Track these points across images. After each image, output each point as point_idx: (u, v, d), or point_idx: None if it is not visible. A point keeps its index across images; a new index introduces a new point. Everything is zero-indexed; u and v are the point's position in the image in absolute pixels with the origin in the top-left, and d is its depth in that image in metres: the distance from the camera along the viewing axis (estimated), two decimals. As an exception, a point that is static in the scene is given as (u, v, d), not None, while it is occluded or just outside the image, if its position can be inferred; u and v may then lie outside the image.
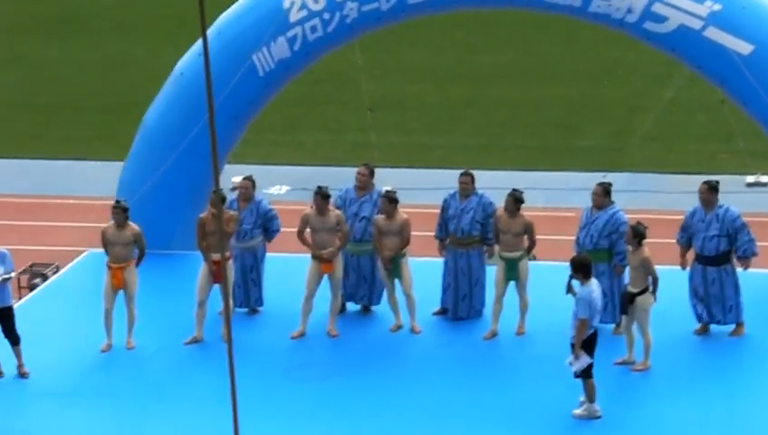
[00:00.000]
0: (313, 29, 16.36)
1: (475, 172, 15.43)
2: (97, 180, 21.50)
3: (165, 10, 32.13)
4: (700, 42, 15.74)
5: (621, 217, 14.70)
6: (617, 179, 16.64)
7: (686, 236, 14.73)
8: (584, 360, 12.82)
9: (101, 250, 14.91)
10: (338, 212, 14.99)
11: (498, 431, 12.78)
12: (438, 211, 15.39)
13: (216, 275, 14.44)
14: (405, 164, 22.51)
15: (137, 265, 14.65)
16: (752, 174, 21.21)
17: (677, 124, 24.24)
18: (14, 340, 14.04)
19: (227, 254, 14.61)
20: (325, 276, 14.88)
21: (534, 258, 15.70)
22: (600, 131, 24.24)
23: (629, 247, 14.02)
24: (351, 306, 15.59)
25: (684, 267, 14.77)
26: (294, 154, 23.45)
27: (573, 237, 14.96)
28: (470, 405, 13.28)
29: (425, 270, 15.43)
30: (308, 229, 14.95)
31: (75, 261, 17.27)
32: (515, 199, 14.79)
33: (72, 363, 14.29)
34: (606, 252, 14.65)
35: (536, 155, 23.02)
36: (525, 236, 14.85)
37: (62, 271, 17.15)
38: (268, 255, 15.65)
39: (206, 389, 13.58)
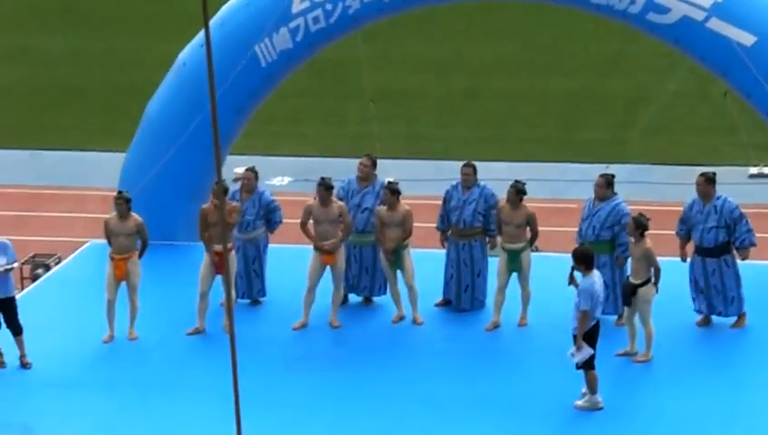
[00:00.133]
0: (316, 20, 16.35)
1: (477, 163, 15.42)
2: (99, 171, 21.50)
3: (167, 1, 32.10)
4: (703, 33, 15.72)
5: (624, 208, 14.70)
6: (619, 171, 16.62)
7: (686, 228, 14.73)
8: (586, 351, 12.83)
9: (104, 241, 14.91)
10: (340, 203, 14.99)
11: (500, 423, 12.79)
12: (440, 202, 15.38)
13: (219, 266, 14.44)
14: (407, 155, 22.50)
15: (139, 256, 14.65)
16: (754, 165, 21.21)
17: (680, 116, 24.22)
18: (16, 330, 14.05)
19: (229, 245, 14.61)
20: (327, 268, 14.88)
21: (537, 250, 15.70)
22: (601, 123, 24.23)
23: (631, 239, 14.01)
24: (354, 298, 15.60)
25: (684, 259, 14.77)
26: (297, 145, 23.44)
27: (575, 229, 14.96)
28: (472, 396, 13.29)
29: (427, 261, 15.43)
30: (311, 221, 14.95)
31: (77, 252, 17.27)
32: (517, 191, 14.79)
33: (74, 354, 14.30)
34: (608, 243, 14.65)
35: (538, 146, 23.01)
36: (527, 228, 14.85)
37: (64, 262, 17.16)
38: (270, 246, 15.65)
39: (208, 380, 13.58)
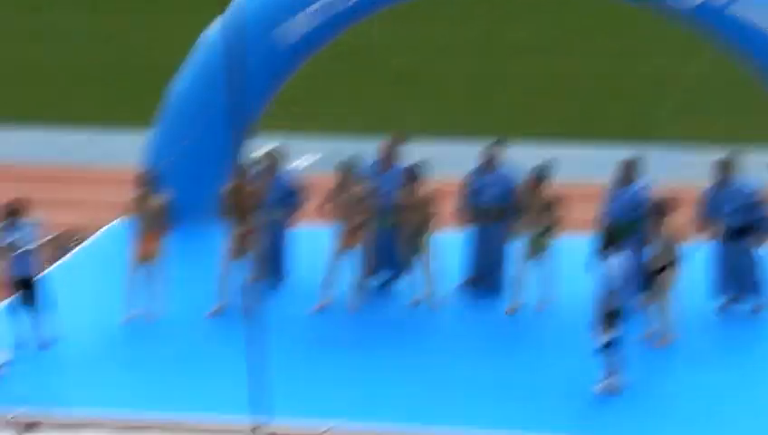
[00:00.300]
0: (339, 0, 16.34)
1: (501, 146, 15.41)
2: (125, 150, 21.56)
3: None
4: (726, 17, 15.65)
5: (647, 191, 14.69)
6: (645, 153, 16.58)
7: (709, 210, 14.71)
8: (609, 333, 12.83)
9: (129, 220, 14.99)
10: (363, 185, 15.02)
11: (521, 404, 12.82)
12: (463, 185, 15.39)
13: (241, 246, 14.50)
14: (430, 137, 22.49)
15: (164, 235, 14.72)
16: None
17: (706, 98, 24.11)
18: (39, 308, 14.15)
19: (252, 226, 14.67)
20: (348, 249, 14.92)
21: (558, 233, 15.69)
22: (628, 105, 24.15)
23: (654, 222, 14.00)
24: (374, 280, 15.63)
25: (707, 242, 14.75)
26: (320, 126, 23.46)
27: (600, 211, 14.94)
28: (492, 378, 13.32)
29: (448, 244, 15.45)
30: (330, 202, 14.99)
31: (103, 230, 17.36)
32: (540, 174, 14.79)
33: (98, 332, 14.40)
34: (631, 226, 14.65)
35: (563, 128, 22.96)
36: (550, 211, 14.85)
37: (89, 240, 17.25)
38: (292, 227, 15.70)
39: (230, 359, 13.65)
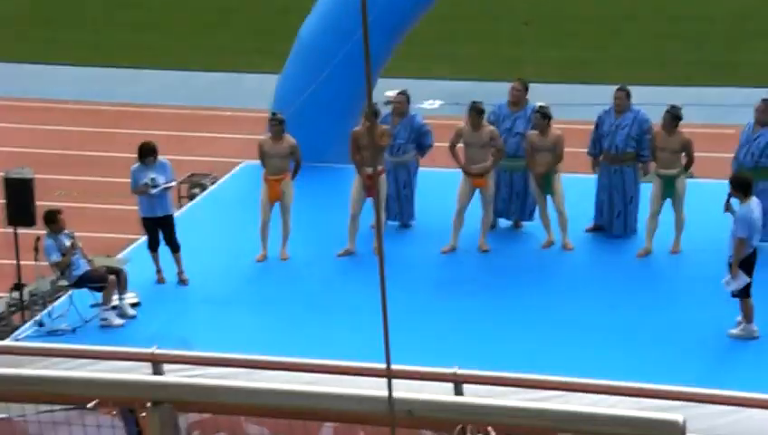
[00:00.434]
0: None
1: (631, 87, 15.16)
2: (254, 93, 21.76)
3: None
4: None
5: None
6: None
7: None
8: (742, 279, 12.60)
9: (258, 162, 15.14)
10: (491, 128, 14.92)
11: (652, 351, 12.67)
12: (592, 127, 15.19)
13: (369, 188, 14.55)
14: (559, 79, 22.23)
15: (292, 177, 14.84)
16: None
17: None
18: (174, 247, 14.40)
19: (380, 168, 14.69)
20: (477, 191, 14.87)
21: (692, 176, 15.41)
22: (765, 46, 23.53)
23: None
24: (503, 222, 15.57)
25: None
26: (448, 68, 23.35)
27: (732, 155, 14.63)
28: (622, 324, 13.19)
29: (578, 186, 15.29)
30: (460, 144, 14.93)
31: (232, 172, 17.56)
32: (673, 116, 14.51)
33: (228, 272, 14.61)
34: (765, 170, 14.31)
35: (696, 70, 22.50)
36: (683, 154, 14.58)
37: (219, 181, 17.47)
38: (420, 169, 15.69)
39: (357, 300, 13.74)
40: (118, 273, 13.61)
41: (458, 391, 6.62)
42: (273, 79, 17.98)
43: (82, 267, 13.59)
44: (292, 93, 17.21)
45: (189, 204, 16.88)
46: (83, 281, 13.59)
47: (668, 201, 14.59)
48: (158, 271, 14.39)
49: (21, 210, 15.18)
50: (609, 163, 15.01)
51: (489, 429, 4.87)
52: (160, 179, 14.24)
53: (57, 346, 8.84)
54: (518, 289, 14.04)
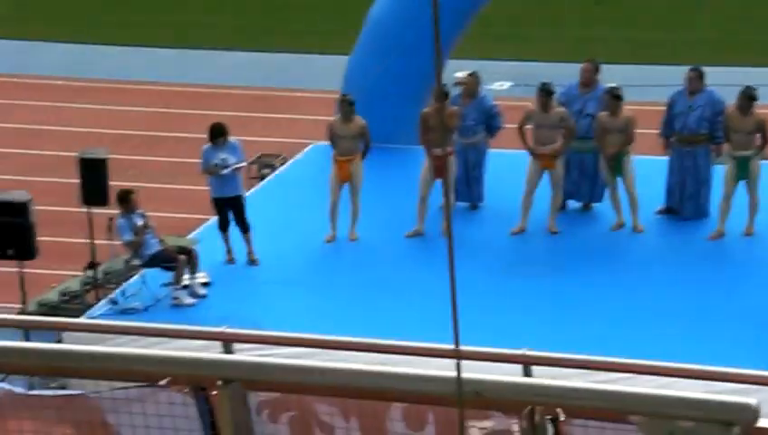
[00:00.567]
0: None
1: (704, 68, 14.99)
2: (324, 74, 21.81)
3: None
4: None
5: None
6: None
7: None
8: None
9: (327, 143, 15.18)
10: (561, 109, 14.84)
11: (723, 334, 12.55)
12: (664, 108, 15.06)
13: (439, 169, 14.54)
14: (631, 60, 22.04)
15: (362, 158, 14.87)
16: None
17: None
18: (244, 228, 14.50)
19: (450, 149, 14.68)
20: (545, 173, 14.81)
21: (766, 157, 15.23)
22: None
23: None
24: (573, 203, 15.49)
25: None
26: (518, 50, 23.24)
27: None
28: (693, 306, 13.08)
29: (649, 168, 15.16)
30: (528, 126, 14.87)
31: (302, 153, 17.63)
32: (748, 97, 14.34)
33: (297, 253, 14.68)
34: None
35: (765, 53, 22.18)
36: (757, 135, 14.41)
37: (289, 162, 17.55)
38: (490, 151, 15.65)
39: (425, 281, 13.76)
40: (189, 253, 13.73)
41: (527, 373, 6.61)
42: (345, 60, 18.01)
43: (154, 247, 13.74)
44: (362, 75, 17.23)
45: (259, 185, 16.98)
46: (155, 260, 13.73)
47: (742, 183, 14.43)
48: (229, 251, 14.50)
49: (95, 190, 15.36)
50: (682, 145, 14.87)
51: (558, 410, 4.86)
52: (231, 160, 14.33)
53: (130, 324, 8.95)
54: (587, 271, 13.98)
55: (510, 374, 5.62)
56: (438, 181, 14.70)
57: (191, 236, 15.06)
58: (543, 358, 7.00)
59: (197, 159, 14.75)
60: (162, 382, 4.93)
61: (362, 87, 16.92)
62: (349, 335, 7.50)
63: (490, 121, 15.48)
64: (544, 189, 14.85)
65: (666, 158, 15.08)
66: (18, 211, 14.56)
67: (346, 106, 14.88)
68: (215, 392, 4.85)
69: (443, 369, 4.93)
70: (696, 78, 14.80)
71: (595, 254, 14.38)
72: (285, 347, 7.72)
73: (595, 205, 15.43)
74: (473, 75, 15.61)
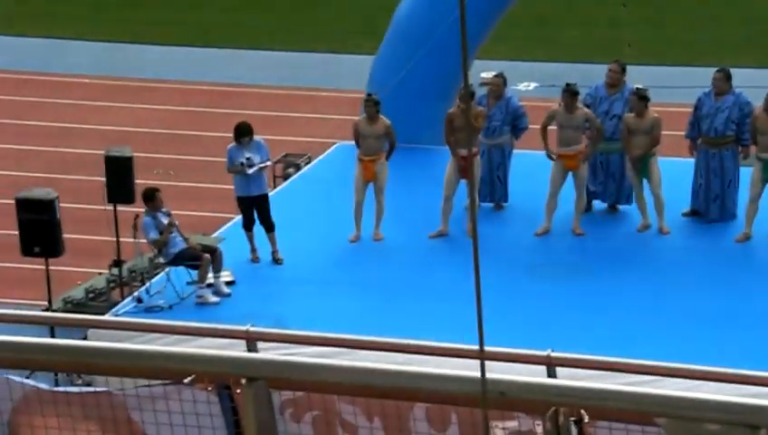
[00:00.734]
0: None
1: (732, 70, 14.93)
2: (351, 73, 21.83)
3: None
4: None
5: None
6: None
7: None
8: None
9: (352, 142, 15.19)
10: (586, 110, 14.81)
11: (748, 337, 12.48)
12: (691, 110, 14.99)
13: (464, 170, 14.52)
14: (658, 61, 21.96)
15: (387, 158, 14.86)
16: None
17: None
18: (269, 226, 14.51)
19: (475, 149, 14.66)
20: (570, 174, 14.77)
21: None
22: None
23: None
24: (598, 205, 15.45)
25: None
26: (544, 50, 23.20)
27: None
28: (719, 309, 13.01)
29: (675, 170, 15.11)
30: (551, 126, 14.84)
31: (327, 152, 17.64)
32: (774, 99, 14.26)
33: (321, 252, 14.68)
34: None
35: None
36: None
37: (313, 162, 17.56)
38: (515, 151, 15.62)
39: (450, 282, 13.74)
40: (213, 251, 13.76)
41: (551, 374, 6.60)
42: (370, 60, 18.01)
43: (179, 245, 13.77)
44: (387, 74, 17.23)
45: (284, 184, 16.99)
46: (179, 259, 13.76)
47: (769, 185, 14.36)
48: (253, 250, 14.52)
49: (120, 188, 15.43)
50: (708, 146, 14.81)
51: (582, 412, 4.84)
52: (256, 159, 14.35)
53: (155, 322, 8.97)
54: (612, 272, 13.93)
55: (534, 375, 5.59)
56: (463, 182, 14.68)
57: (216, 234, 15.09)
58: (568, 359, 6.98)
59: (223, 157, 14.78)
60: (186, 380, 4.94)
61: (388, 86, 16.93)
62: (373, 335, 7.51)
63: (516, 122, 15.45)
64: (569, 190, 14.81)
65: (692, 159, 15.02)
66: (44, 209, 14.63)
67: (371, 106, 14.87)
68: (238, 391, 4.85)
69: (467, 369, 4.92)
70: (723, 79, 14.73)
71: (620, 256, 14.33)
72: (309, 346, 7.73)
73: (621, 206, 15.36)
74: (499, 76, 15.58)
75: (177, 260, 13.78)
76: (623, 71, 15.26)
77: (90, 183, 17.80)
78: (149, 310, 13.47)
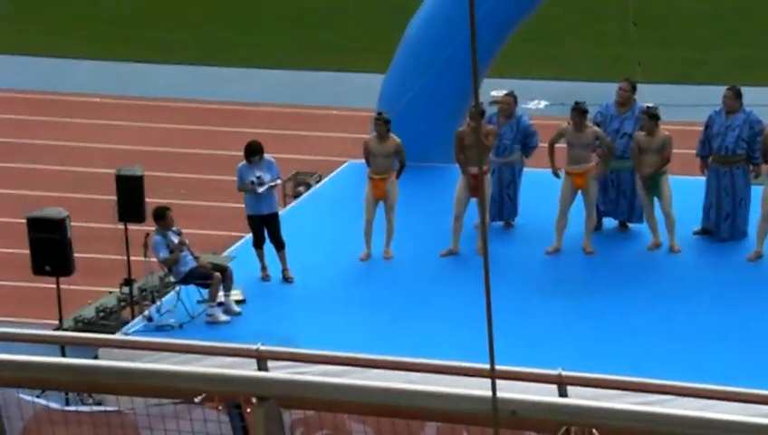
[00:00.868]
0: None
1: (743, 88, 14.91)
2: (361, 92, 21.86)
3: None
4: None
5: None
6: None
7: None
8: None
9: (363, 161, 15.19)
10: (596, 128, 14.80)
11: (762, 355, 12.43)
12: (702, 128, 14.98)
13: (474, 188, 14.52)
14: (668, 80, 21.96)
15: (397, 176, 14.86)
16: None
17: None
18: (279, 245, 14.51)
19: (485, 168, 14.66)
20: (579, 192, 14.76)
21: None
22: None
23: None
24: (609, 223, 15.42)
25: None
26: (554, 68, 23.22)
27: None
28: (730, 328, 12.97)
29: (686, 188, 15.08)
30: (560, 144, 14.83)
31: (337, 171, 17.65)
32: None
33: (332, 270, 14.68)
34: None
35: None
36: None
37: (324, 180, 17.57)
38: (525, 169, 15.61)
39: (460, 300, 13.73)
40: (224, 270, 13.75)
41: (562, 393, 6.57)
42: (380, 78, 18.04)
43: (189, 264, 13.77)
44: (397, 93, 17.25)
45: (294, 202, 17.00)
46: (190, 277, 13.76)
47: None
48: (263, 268, 14.52)
49: (131, 207, 15.45)
50: (719, 165, 14.79)
51: (594, 431, 4.83)
52: (266, 178, 14.36)
53: (165, 341, 8.96)
54: (624, 291, 13.90)
55: (545, 395, 5.58)
56: (473, 200, 14.67)
57: (226, 253, 15.10)
58: (579, 378, 6.95)
59: (233, 176, 14.80)
60: (197, 399, 4.93)
61: (398, 105, 16.95)
62: (383, 354, 7.49)
63: (526, 141, 15.45)
64: (579, 208, 14.80)
65: (703, 178, 15.00)
66: (55, 227, 14.65)
67: (381, 124, 14.88)
68: (249, 410, 4.85)
69: (478, 388, 4.90)
70: (734, 97, 14.72)
71: (631, 274, 14.30)
72: (320, 365, 7.71)
73: (632, 224, 15.34)
74: (509, 94, 15.59)
75: (187, 279, 13.78)
76: (633, 89, 15.26)
77: (100, 202, 17.83)
78: (160, 329, 13.46)
